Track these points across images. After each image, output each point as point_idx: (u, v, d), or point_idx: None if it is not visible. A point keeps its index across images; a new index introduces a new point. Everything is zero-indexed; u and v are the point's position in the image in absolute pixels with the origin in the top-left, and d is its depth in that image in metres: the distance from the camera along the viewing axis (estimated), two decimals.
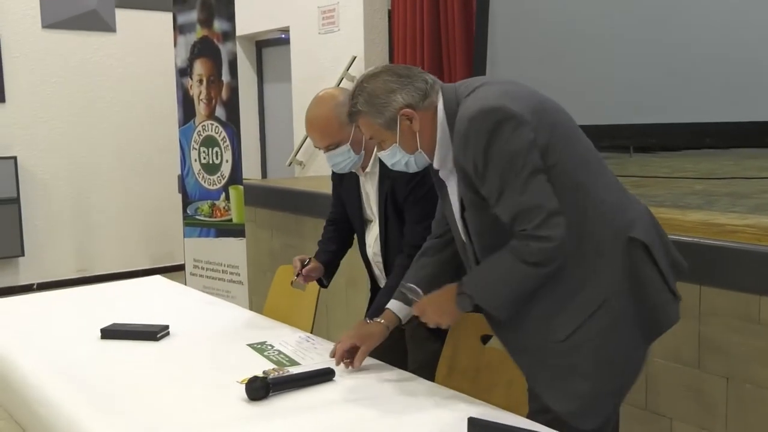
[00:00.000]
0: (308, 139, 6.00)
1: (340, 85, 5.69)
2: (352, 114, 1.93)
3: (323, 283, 2.58)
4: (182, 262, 6.74)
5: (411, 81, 1.86)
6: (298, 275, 2.47)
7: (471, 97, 1.81)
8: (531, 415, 1.86)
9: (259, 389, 1.85)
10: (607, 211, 1.83)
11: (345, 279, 4.18)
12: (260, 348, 2.27)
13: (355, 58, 5.62)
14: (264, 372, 2.01)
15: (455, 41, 5.35)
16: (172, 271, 6.87)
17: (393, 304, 2.12)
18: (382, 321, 2.10)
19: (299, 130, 6.23)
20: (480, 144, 1.72)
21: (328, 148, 2.29)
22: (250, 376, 1.97)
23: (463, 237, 1.96)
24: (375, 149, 2.16)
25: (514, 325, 1.87)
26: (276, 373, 2.00)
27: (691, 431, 2.64)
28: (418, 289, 1.98)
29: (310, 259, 2.51)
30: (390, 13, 5.76)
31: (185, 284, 4.06)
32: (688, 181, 4.21)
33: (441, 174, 1.94)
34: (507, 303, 1.82)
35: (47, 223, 6.86)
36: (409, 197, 2.29)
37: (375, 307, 2.28)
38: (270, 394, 1.86)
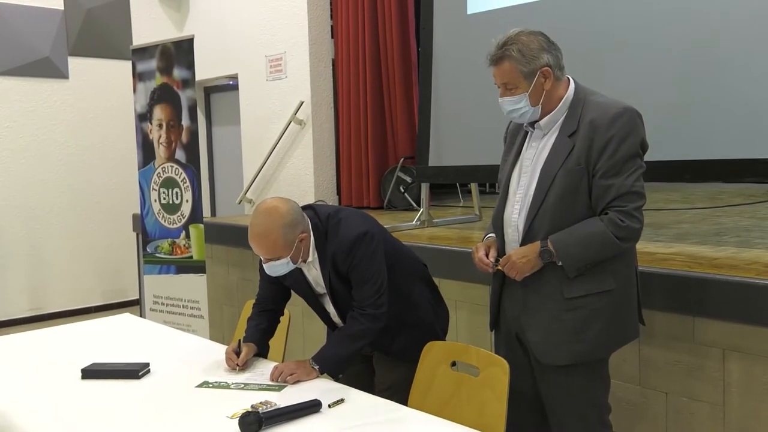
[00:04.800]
0: (258, 177, 5.95)
1: (288, 128, 5.68)
2: (500, 57, 2.07)
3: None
4: (135, 298, 6.52)
5: (556, 51, 2.10)
6: (238, 367, 2.29)
7: (605, 98, 2.08)
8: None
9: (252, 423, 1.77)
10: None
11: (300, 309, 4.10)
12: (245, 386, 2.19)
13: (302, 102, 5.60)
14: (252, 406, 1.93)
15: (396, 88, 5.40)
16: (126, 306, 6.63)
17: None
18: (317, 367, 2.23)
19: (248, 169, 6.14)
20: (623, 130, 2.00)
21: (269, 260, 2.25)
22: (238, 411, 1.90)
23: (527, 187, 2.11)
24: (312, 249, 2.29)
25: (540, 281, 2.09)
26: (264, 407, 1.92)
27: None
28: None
29: (239, 343, 2.36)
30: (334, 62, 5.78)
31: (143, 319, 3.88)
32: None
33: (535, 132, 2.14)
34: (582, 262, 2.02)
35: None
36: (350, 264, 2.26)
37: (321, 355, 2.27)
38: (262, 428, 1.79)
